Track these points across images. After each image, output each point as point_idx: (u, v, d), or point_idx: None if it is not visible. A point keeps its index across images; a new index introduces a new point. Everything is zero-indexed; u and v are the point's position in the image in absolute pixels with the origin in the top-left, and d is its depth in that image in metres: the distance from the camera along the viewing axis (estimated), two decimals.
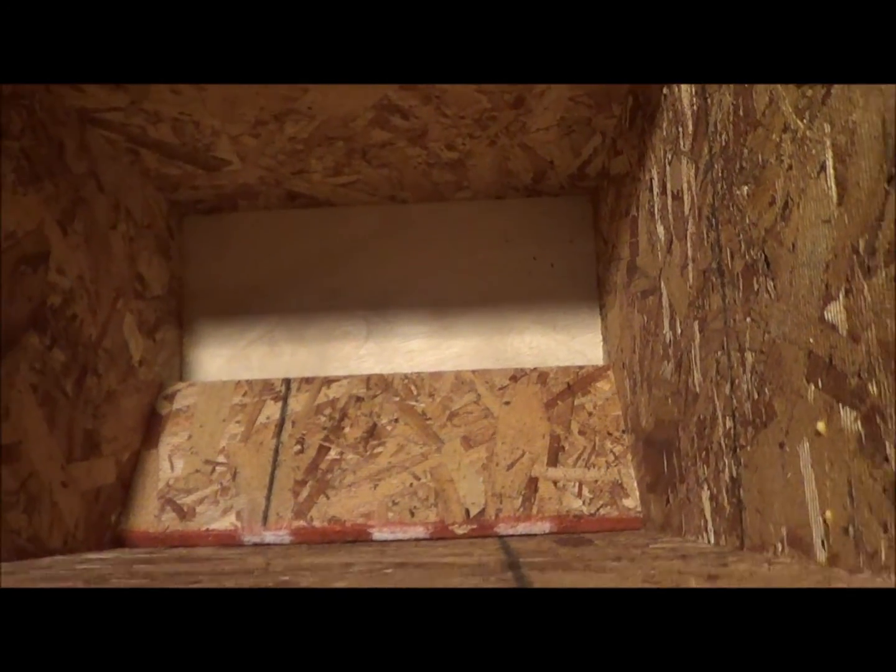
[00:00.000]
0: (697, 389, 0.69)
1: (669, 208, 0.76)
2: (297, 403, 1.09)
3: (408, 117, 0.96)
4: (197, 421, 1.08)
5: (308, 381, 1.12)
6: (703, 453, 0.68)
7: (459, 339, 1.21)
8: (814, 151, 0.45)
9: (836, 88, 0.42)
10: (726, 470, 0.63)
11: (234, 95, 0.90)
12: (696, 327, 0.69)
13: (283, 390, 1.11)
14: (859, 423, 0.41)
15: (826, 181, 0.43)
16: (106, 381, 0.96)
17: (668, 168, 0.75)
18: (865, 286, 0.40)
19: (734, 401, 0.60)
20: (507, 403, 1.07)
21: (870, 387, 0.40)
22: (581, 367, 1.11)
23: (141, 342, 1.06)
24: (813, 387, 0.46)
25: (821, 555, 0.47)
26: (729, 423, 0.62)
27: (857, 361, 0.41)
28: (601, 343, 1.20)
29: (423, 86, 0.89)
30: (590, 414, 1.06)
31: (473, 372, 1.11)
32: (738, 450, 0.60)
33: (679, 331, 0.75)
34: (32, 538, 0.79)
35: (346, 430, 1.06)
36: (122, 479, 0.99)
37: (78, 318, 0.90)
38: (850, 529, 0.43)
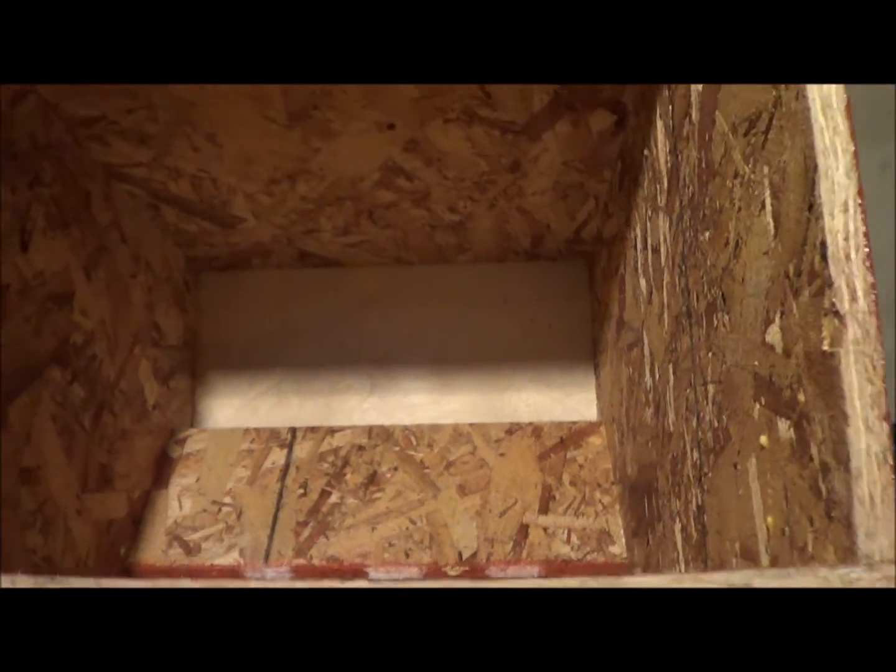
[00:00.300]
0: (671, 429, 0.74)
1: (650, 262, 0.81)
2: (301, 451, 1.14)
3: (412, 179, 1.02)
4: (206, 464, 1.13)
5: (313, 430, 1.17)
6: (676, 488, 0.73)
7: (459, 395, 1.26)
8: (756, 192, 0.50)
9: (773, 133, 0.47)
10: (693, 500, 0.67)
11: (250, 154, 0.96)
12: (671, 370, 0.74)
13: (288, 438, 1.16)
14: (792, 430, 0.46)
15: (765, 217, 0.49)
16: (121, 420, 1.01)
17: (648, 224, 0.81)
18: (794, 305, 0.45)
19: (699, 433, 0.65)
20: (503, 455, 1.12)
21: (798, 395, 0.45)
22: (574, 423, 1.16)
23: (156, 388, 1.12)
24: (758, 405, 0.51)
25: (765, 560, 0.51)
26: (696, 455, 0.66)
27: (789, 375, 0.46)
28: (595, 401, 1.24)
29: (425, 149, 0.95)
30: (581, 466, 1.10)
31: (471, 425, 1.16)
32: (702, 478, 0.64)
33: (657, 376, 0.79)
34: (47, 559, 0.84)
35: (348, 476, 1.11)
36: (132, 515, 1.04)
37: (97, 358, 0.95)
38: (786, 530, 0.47)
